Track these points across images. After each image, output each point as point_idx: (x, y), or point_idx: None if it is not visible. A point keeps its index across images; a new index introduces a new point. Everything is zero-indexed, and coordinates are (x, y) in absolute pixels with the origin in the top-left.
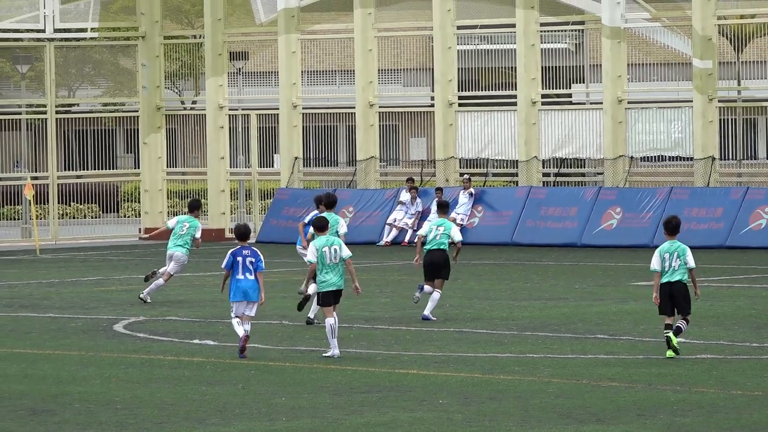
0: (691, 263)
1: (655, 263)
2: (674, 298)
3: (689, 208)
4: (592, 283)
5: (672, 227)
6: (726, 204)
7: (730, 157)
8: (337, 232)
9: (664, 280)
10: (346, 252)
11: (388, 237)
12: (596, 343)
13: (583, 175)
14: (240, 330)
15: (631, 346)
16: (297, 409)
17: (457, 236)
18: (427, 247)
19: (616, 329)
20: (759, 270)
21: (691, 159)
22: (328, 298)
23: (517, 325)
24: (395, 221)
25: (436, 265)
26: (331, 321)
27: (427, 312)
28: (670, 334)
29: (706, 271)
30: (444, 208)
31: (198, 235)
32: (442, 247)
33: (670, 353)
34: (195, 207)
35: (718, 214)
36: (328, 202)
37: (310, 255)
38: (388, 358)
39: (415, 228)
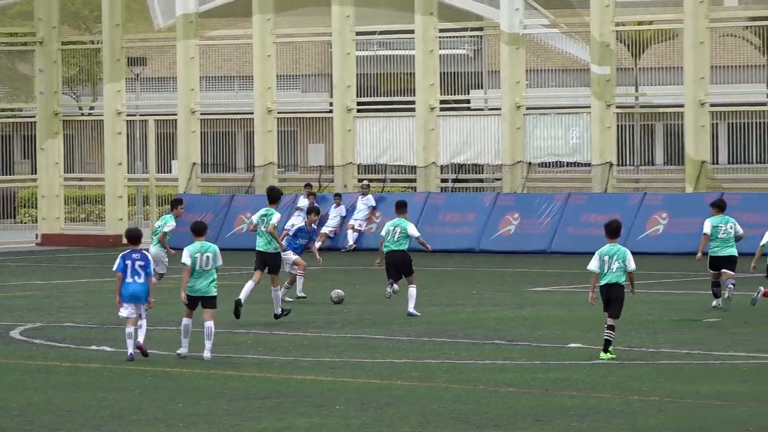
0: (632, 266)
1: (593, 264)
2: (610, 300)
3: (587, 214)
4: (489, 288)
5: (612, 230)
6: (623, 210)
7: (628, 162)
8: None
9: (603, 282)
10: (220, 261)
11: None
12: (493, 348)
13: (481, 180)
14: (130, 347)
15: (528, 352)
16: (194, 415)
17: (414, 232)
18: (387, 248)
19: (513, 335)
20: (655, 276)
21: (589, 165)
22: (194, 303)
23: (414, 331)
24: (292, 227)
25: (398, 266)
26: (186, 322)
27: (410, 309)
28: (601, 353)
29: None
30: (401, 207)
31: (166, 229)
32: (401, 247)
33: (611, 357)
34: (173, 205)
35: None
36: (271, 196)
37: (185, 258)
38: (286, 363)
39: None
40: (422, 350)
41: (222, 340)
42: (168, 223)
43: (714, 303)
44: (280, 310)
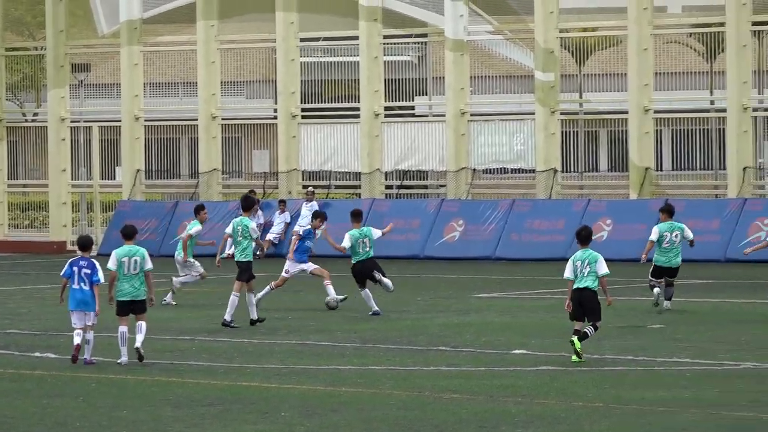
0: (602, 271)
1: (567, 272)
2: (583, 305)
3: (531, 220)
4: (434, 295)
5: (583, 237)
6: (568, 216)
7: (572, 169)
8: (250, 235)
9: (575, 286)
10: (149, 265)
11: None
12: (438, 355)
13: (425, 187)
14: (76, 339)
15: (473, 358)
16: (138, 422)
17: (377, 234)
18: (358, 258)
19: (457, 341)
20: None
21: (534, 171)
22: (124, 308)
23: (359, 338)
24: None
25: (370, 269)
26: (123, 329)
27: (390, 285)
28: (575, 339)
29: (548, 283)
30: (358, 216)
31: (191, 231)
32: (371, 255)
33: (574, 358)
34: (197, 211)
35: (560, 226)
36: (244, 205)
37: (110, 263)
38: (230, 370)
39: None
40: (367, 357)
41: (167, 347)
42: (195, 227)
43: (655, 291)
44: (255, 315)
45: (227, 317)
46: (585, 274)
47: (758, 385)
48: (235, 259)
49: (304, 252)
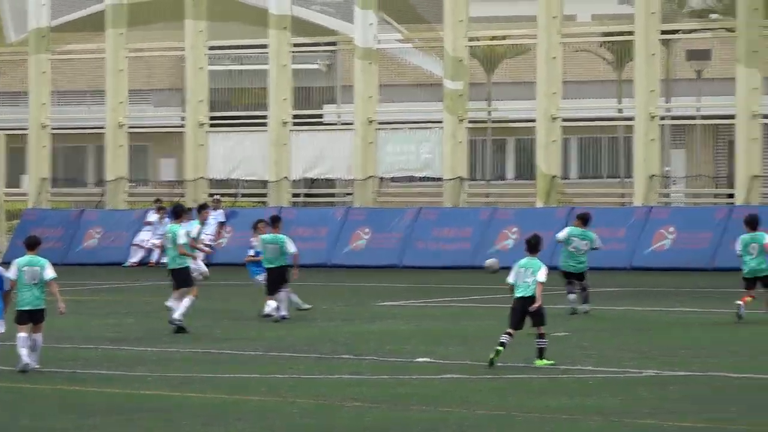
0: (540, 278)
1: (510, 276)
2: (527, 313)
3: (438, 229)
4: (340, 303)
5: (531, 245)
6: (474, 224)
7: (479, 177)
8: (175, 242)
9: (518, 294)
10: (49, 274)
11: (135, 258)
12: (342, 363)
13: (332, 195)
14: None
15: (377, 366)
16: (38, 430)
17: (292, 248)
18: (271, 264)
19: (362, 349)
20: (505, 290)
21: (441, 179)
22: (23, 317)
23: (263, 346)
24: (142, 242)
25: (280, 281)
26: (22, 335)
27: (284, 312)
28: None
29: (454, 291)
30: (275, 221)
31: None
32: (280, 263)
33: (492, 356)
34: (199, 209)
35: (466, 234)
36: (175, 212)
37: (11, 272)
38: (132, 379)
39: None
40: (271, 365)
41: (69, 355)
42: (195, 226)
43: (570, 297)
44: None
45: (180, 320)
46: (529, 284)
47: (660, 392)
48: (169, 268)
49: (261, 264)
